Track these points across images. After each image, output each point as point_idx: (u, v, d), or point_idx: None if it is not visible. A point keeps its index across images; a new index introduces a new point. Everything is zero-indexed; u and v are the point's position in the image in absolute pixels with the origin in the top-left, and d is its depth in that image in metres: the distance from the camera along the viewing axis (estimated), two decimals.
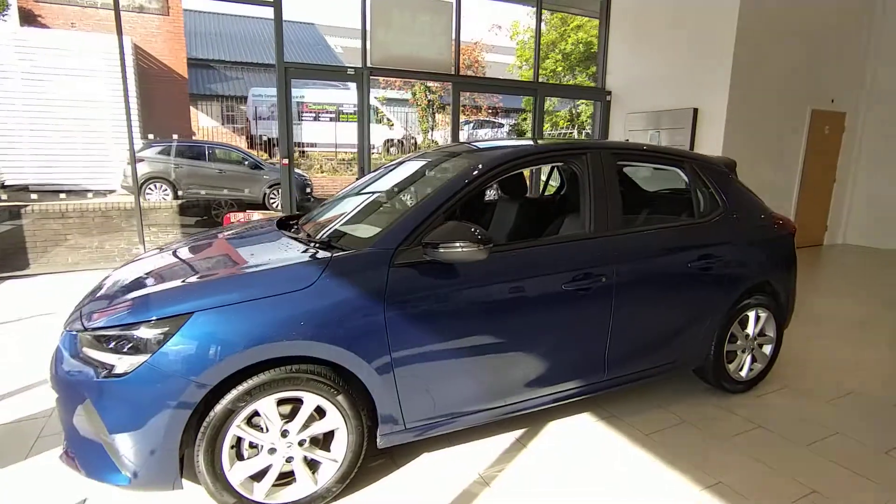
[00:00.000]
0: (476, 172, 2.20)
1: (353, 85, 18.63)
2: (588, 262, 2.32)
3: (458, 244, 1.90)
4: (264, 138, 14.35)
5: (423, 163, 2.93)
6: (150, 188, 9.95)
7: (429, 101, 16.33)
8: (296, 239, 2.33)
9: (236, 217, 5.91)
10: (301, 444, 1.90)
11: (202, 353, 1.68)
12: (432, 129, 17.06)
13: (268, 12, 5.82)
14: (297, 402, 1.89)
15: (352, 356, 1.86)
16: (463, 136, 17.27)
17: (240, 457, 1.85)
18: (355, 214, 2.51)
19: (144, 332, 1.70)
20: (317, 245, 2.16)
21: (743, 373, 2.95)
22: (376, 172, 3.07)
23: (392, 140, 16.21)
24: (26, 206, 6.24)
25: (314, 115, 15.07)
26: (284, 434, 1.86)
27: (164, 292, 1.82)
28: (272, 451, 1.86)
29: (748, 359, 2.96)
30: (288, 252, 2.13)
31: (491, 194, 3.84)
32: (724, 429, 2.63)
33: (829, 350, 3.70)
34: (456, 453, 2.35)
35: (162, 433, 1.68)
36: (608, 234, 2.40)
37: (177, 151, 10.21)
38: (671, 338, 2.63)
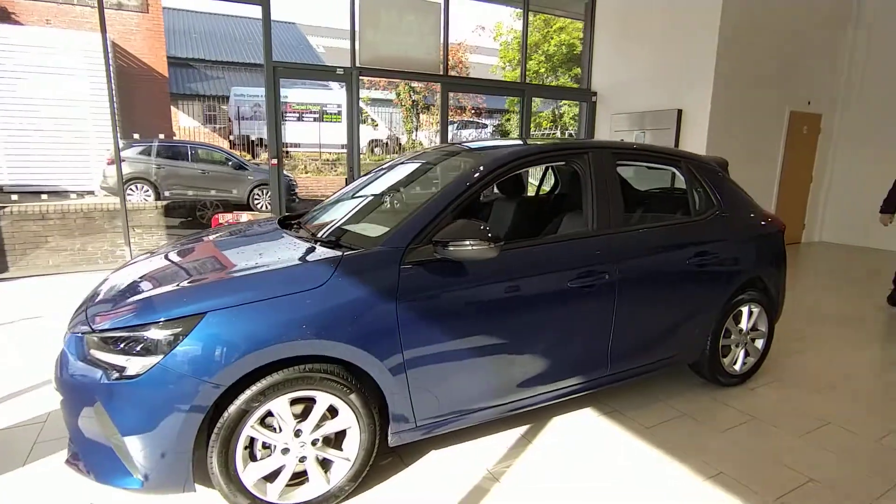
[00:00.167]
0: (483, 171, 2.22)
1: (335, 85, 18.59)
2: (592, 260, 2.36)
3: (468, 242, 1.92)
4: (248, 138, 14.18)
5: (424, 162, 2.94)
6: (131, 189, 9.74)
7: (413, 101, 16.31)
8: (302, 238, 2.32)
9: (224, 218, 5.83)
10: (314, 443, 1.89)
11: (216, 353, 1.67)
12: (416, 130, 17.05)
13: (250, 11, 5.76)
14: (309, 402, 1.88)
15: (365, 355, 1.86)
16: (447, 137, 17.30)
17: (253, 457, 1.84)
18: (360, 214, 2.52)
19: (156, 333, 1.67)
20: (324, 244, 2.16)
21: (737, 366, 3.03)
22: (377, 172, 3.07)
23: (376, 140, 16.16)
24: (4, 206, 6.05)
25: (297, 115, 14.94)
26: (297, 434, 1.86)
27: (176, 292, 1.80)
28: (285, 451, 1.85)
29: (741, 353, 3.04)
30: (296, 251, 2.12)
31: (485, 193, 3.87)
32: (721, 421, 2.70)
33: (815, 343, 3.82)
34: (463, 450, 2.36)
35: (176, 435, 1.66)
36: (610, 231, 2.45)
37: (158, 152, 10.03)
38: (670, 333, 2.69)
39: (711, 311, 2.81)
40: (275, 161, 6.01)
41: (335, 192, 3.17)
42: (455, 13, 6.94)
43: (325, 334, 1.80)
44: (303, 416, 1.88)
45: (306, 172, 14.03)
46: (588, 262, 2.34)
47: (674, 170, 2.92)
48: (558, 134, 17.07)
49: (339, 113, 15.54)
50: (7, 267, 5.77)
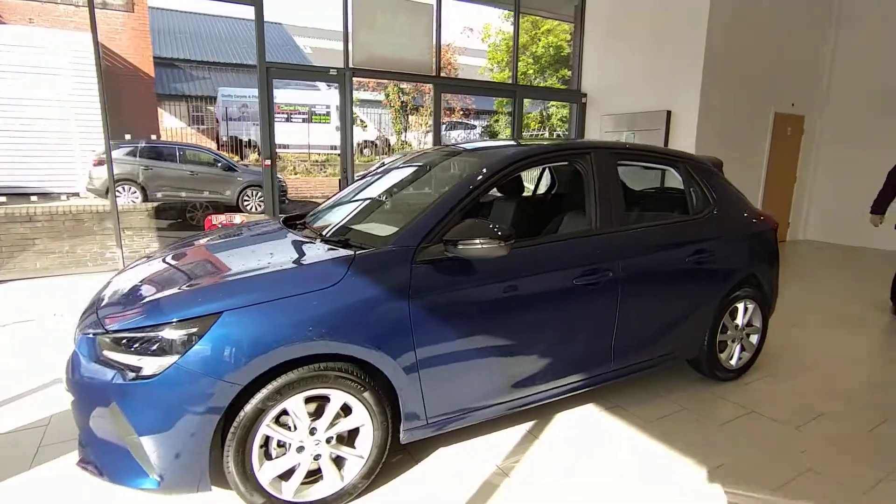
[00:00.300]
0: (491, 171, 2.25)
1: (323, 86, 18.49)
2: (597, 258, 2.41)
3: (478, 241, 1.95)
4: (236, 139, 14.06)
5: (427, 163, 2.97)
6: (118, 191, 9.60)
7: (402, 102, 16.32)
8: (310, 238, 2.34)
9: (218, 219, 5.79)
10: (328, 441, 1.91)
11: (233, 352, 1.67)
12: (405, 131, 17.05)
13: (240, 11, 5.73)
14: (322, 400, 1.89)
15: (379, 353, 1.88)
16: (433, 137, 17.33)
17: (268, 456, 1.85)
18: (366, 214, 2.53)
19: (171, 333, 1.68)
20: (333, 243, 2.17)
21: (733, 361, 3.11)
22: (379, 172, 3.09)
23: (365, 141, 16.13)
24: None
25: (286, 115, 14.86)
26: (312, 432, 1.87)
27: (190, 292, 1.80)
28: (300, 449, 1.86)
29: (737, 348, 3.12)
30: (307, 251, 2.13)
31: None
32: (719, 414, 2.76)
33: (805, 339, 3.92)
34: (471, 447, 2.39)
35: (193, 434, 1.67)
36: (613, 230, 2.50)
37: (146, 153, 9.90)
38: (670, 329, 2.75)
39: (709, 308, 2.88)
40: (268, 162, 5.98)
41: (337, 193, 3.18)
42: (445, 15, 6.99)
43: (341, 332, 1.82)
44: (316, 415, 1.89)
45: (295, 174, 13.95)
46: (593, 260, 2.39)
47: (671, 169, 2.98)
48: (546, 135, 17.19)
49: (328, 114, 15.48)
50: None
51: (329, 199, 3.15)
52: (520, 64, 16.12)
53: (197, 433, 1.67)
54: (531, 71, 16.36)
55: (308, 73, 6.68)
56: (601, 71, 8.06)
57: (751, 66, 7.06)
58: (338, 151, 16.00)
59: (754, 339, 3.20)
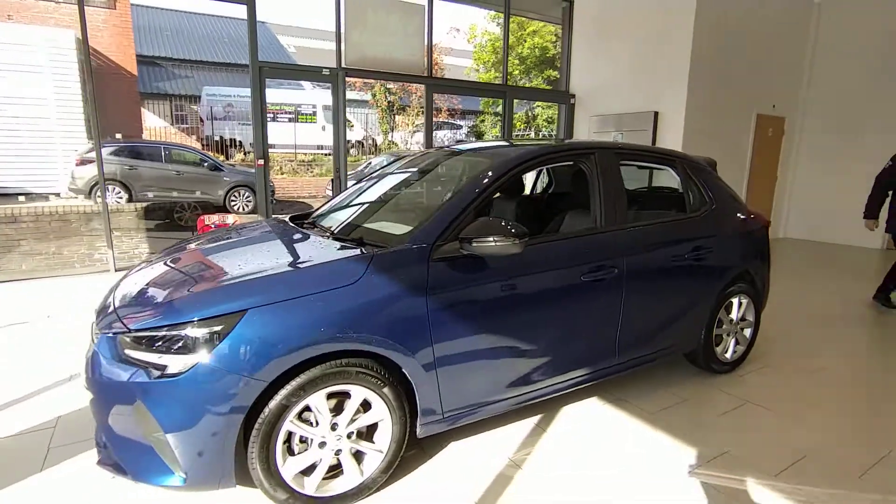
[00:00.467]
0: (503, 169, 2.31)
1: (308, 85, 18.34)
2: (603, 255, 2.48)
3: (492, 239, 2.00)
4: (221, 139, 13.88)
5: (433, 162, 3.01)
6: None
7: (388, 102, 16.30)
8: (324, 237, 2.36)
9: (210, 220, 5.74)
10: (349, 436, 1.94)
11: (258, 349, 1.69)
12: (392, 131, 17.04)
13: (227, 10, 5.70)
14: (342, 396, 1.92)
15: (399, 348, 1.92)
16: (422, 137, 17.36)
17: (290, 452, 1.87)
18: (378, 213, 2.56)
19: (195, 331, 1.69)
20: (347, 242, 2.20)
21: (728, 354, 3.22)
22: (384, 173, 3.12)
23: (352, 141, 16.07)
24: None
25: (272, 115, 14.73)
26: (334, 427, 1.90)
27: (214, 290, 1.82)
28: (322, 444, 1.89)
29: (732, 342, 3.23)
30: (323, 250, 2.16)
31: None
32: (718, 405, 2.86)
33: (792, 333, 4.06)
34: (482, 441, 2.44)
35: (220, 431, 1.68)
36: (618, 228, 2.57)
37: (131, 152, 9.75)
38: (671, 323, 2.84)
39: (706, 303, 2.97)
40: (261, 161, 5.95)
41: (341, 193, 3.20)
42: (435, 15, 7.03)
43: (363, 329, 1.85)
44: (335, 411, 1.92)
45: (282, 173, 13.85)
46: (600, 257, 2.46)
47: (669, 169, 3.07)
48: (532, 135, 17.35)
49: (314, 113, 15.40)
50: None
51: (333, 198, 3.17)
52: (507, 65, 16.27)
53: (223, 430, 1.69)
54: (517, 72, 16.50)
55: (301, 73, 6.66)
56: (589, 72, 8.19)
57: (734, 68, 7.25)
58: (325, 151, 15.95)
59: (748, 332, 3.31)
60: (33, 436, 2.40)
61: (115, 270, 5.61)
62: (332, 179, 6.69)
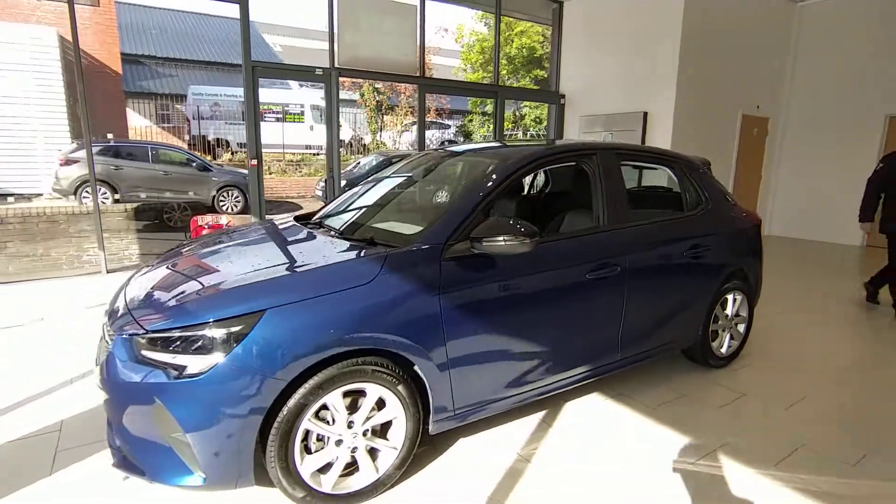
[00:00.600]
0: (511, 169, 2.36)
1: (295, 84, 18.17)
2: (606, 253, 2.54)
3: (501, 238, 2.04)
4: (207, 139, 13.72)
5: (438, 163, 3.04)
6: (87, 191, 9.28)
7: (377, 101, 16.27)
8: (332, 237, 2.38)
9: (204, 220, 5.69)
10: (364, 434, 1.96)
11: (278, 349, 1.71)
12: (381, 130, 17.01)
13: (220, 9, 5.67)
14: (357, 394, 1.94)
15: (415, 346, 1.95)
16: (410, 137, 17.35)
17: (307, 450, 1.89)
18: (386, 212, 2.59)
19: (215, 332, 1.70)
20: (358, 242, 2.22)
21: (723, 349, 3.31)
22: (379, 176, 3.15)
23: (341, 141, 16.00)
24: None
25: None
26: (350, 425, 1.92)
27: (231, 291, 1.82)
28: (339, 442, 1.91)
29: (727, 337, 3.31)
30: (335, 250, 2.18)
31: None
32: (716, 399, 2.94)
33: (781, 328, 4.18)
34: (489, 437, 2.48)
35: (240, 431, 1.70)
36: (620, 227, 2.64)
37: (118, 152, 9.60)
38: (670, 320, 2.91)
39: (704, 299, 3.05)
40: (255, 161, 5.92)
41: (344, 194, 3.21)
42: (426, 16, 7.05)
43: (379, 327, 1.88)
44: (350, 409, 1.94)
45: (271, 173, 13.74)
46: (604, 255, 2.51)
47: (666, 169, 3.15)
48: (520, 135, 17.45)
49: (302, 113, 15.31)
50: None
51: (334, 198, 3.18)
52: None
53: (243, 429, 1.70)
54: (504, 72, 16.58)
55: (294, 73, 6.62)
56: (579, 73, 8.29)
57: (721, 69, 7.40)
58: (313, 151, 15.87)
59: (741, 328, 3.40)
60: (38, 439, 2.38)
61: (107, 272, 5.53)
62: (326, 179, 6.68)
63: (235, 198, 10.64)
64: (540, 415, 2.69)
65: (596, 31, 7.93)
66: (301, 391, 1.78)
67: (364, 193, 3.05)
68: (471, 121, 19.50)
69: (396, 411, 2.01)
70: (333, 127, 6.44)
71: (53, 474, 2.14)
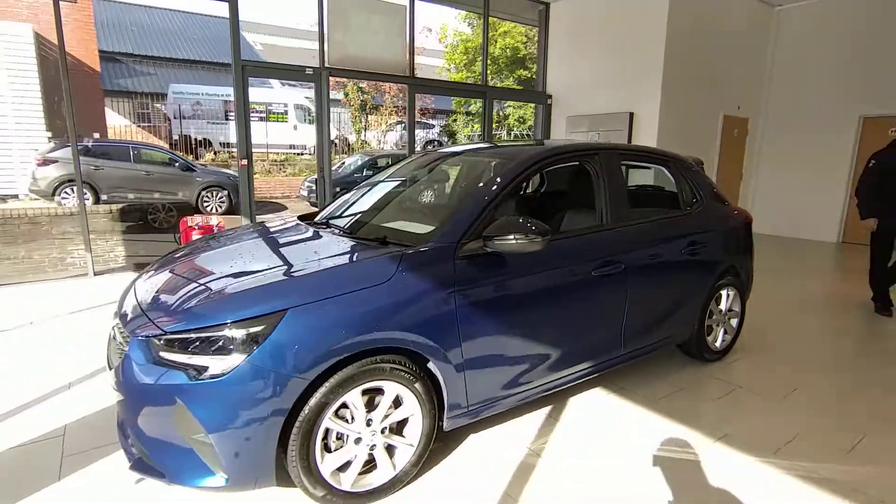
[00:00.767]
0: (518, 169, 2.40)
1: (276, 83, 17.94)
2: (610, 251, 2.60)
3: (513, 237, 2.07)
4: (188, 138, 13.48)
5: (435, 164, 3.06)
6: (66, 192, 9.06)
7: (361, 101, 16.20)
8: (342, 236, 2.38)
9: (194, 221, 5.60)
10: (383, 431, 1.98)
11: (300, 348, 1.72)
12: (365, 130, 16.94)
13: (196, 6, 5.60)
14: (374, 392, 1.96)
15: (431, 344, 1.98)
16: (395, 137, 17.32)
17: (327, 449, 1.89)
18: (393, 212, 2.60)
19: (237, 332, 1.70)
20: (370, 241, 2.23)
21: (718, 343, 3.40)
22: (384, 173, 3.17)
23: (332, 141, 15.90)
24: None
25: None
26: (368, 423, 1.94)
27: (252, 291, 1.82)
28: (358, 440, 1.92)
29: (721, 331, 3.41)
30: (349, 249, 2.19)
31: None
32: (713, 391, 3.03)
33: (768, 322, 4.32)
34: (497, 433, 2.51)
35: (263, 430, 1.70)
36: (622, 225, 2.70)
37: (97, 152, 9.37)
38: (669, 315, 2.99)
39: (700, 294, 3.14)
40: (245, 161, 5.86)
41: (347, 193, 3.21)
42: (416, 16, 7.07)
43: (397, 326, 1.90)
44: (368, 407, 1.96)
45: (254, 173, 13.56)
46: (608, 253, 2.58)
47: (663, 168, 3.23)
48: (503, 135, 17.55)
49: (286, 112, 15.16)
50: None
51: (336, 199, 3.17)
52: (479, 65, 16.41)
53: (266, 429, 1.71)
54: (489, 72, 16.65)
55: (284, 72, 6.56)
56: (565, 73, 8.39)
57: (704, 71, 7.58)
58: (297, 151, 15.73)
59: (734, 322, 3.51)
60: (42, 445, 2.33)
61: (94, 274, 5.41)
62: (316, 179, 6.64)
63: (220, 198, 10.49)
64: (545, 410, 2.74)
65: (582, 32, 8.04)
66: (322, 390, 1.79)
67: (368, 193, 3.06)
68: (454, 120, 19.55)
69: (413, 408, 2.03)
70: (324, 127, 6.41)
71: (62, 480, 2.10)
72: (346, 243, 2.28)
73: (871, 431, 2.61)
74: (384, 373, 1.91)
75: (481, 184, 2.39)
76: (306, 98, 16.25)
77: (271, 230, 2.72)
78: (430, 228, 2.24)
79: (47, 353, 3.32)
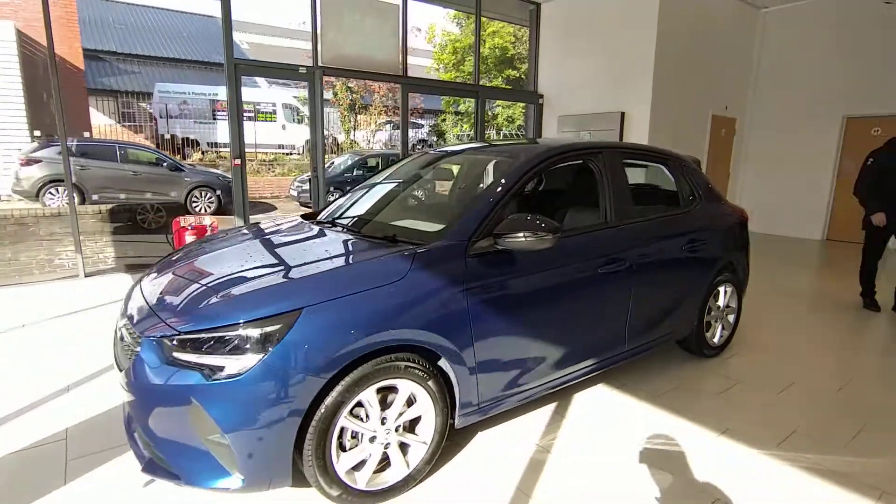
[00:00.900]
0: (526, 167, 2.41)
1: (263, 82, 17.79)
2: (615, 248, 2.63)
3: (522, 234, 2.09)
4: (175, 138, 13.30)
5: (436, 163, 3.07)
6: (50, 192, 8.89)
7: (350, 101, 16.13)
8: (351, 235, 2.38)
9: (187, 221, 5.53)
10: (397, 429, 1.98)
11: (317, 347, 1.71)
12: (354, 130, 16.86)
13: (185, 4, 5.55)
14: (388, 391, 1.96)
15: (444, 341, 1.98)
16: (384, 136, 17.27)
17: (342, 448, 1.89)
18: (399, 211, 2.60)
19: (253, 331, 1.68)
20: (380, 240, 2.23)
21: (716, 339, 3.46)
22: (386, 172, 3.16)
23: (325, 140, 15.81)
24: None
25: (225, 113, 14.25)
26: (383, 421, 1.94)
27: (267, 290, 1.81)
28: (373, 438, 1.92)
29: (719, 327, 3.47)
30: (361, 247, 2.18)
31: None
32: (713, 387, 3.08)
33: (763, 319, 4.40)
34: (506, 430, 2.53)
35: (280, 430, 1.69)
36: (626, 222, 2.73)
37: (82, 152, 9.19)
38: (671, 311, 3.04)
39: (700, 291, 3.19)
40: (238, 161, 5.80)
41: (350, 193, 3.20)
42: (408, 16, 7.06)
43: (411, 323, 1.90)
44: (382, 405, 1.95)
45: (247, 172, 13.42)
46: (613, 250, 2.60)
47: (663, 167, 3.28)
48: (493, 134, 17.60)
49: (274, 112, 15.03)
50: None
51: (339, 198, 3.16)
52: (468, 65, 16.43)
53: (283, 428, 1.70)
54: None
55: (277, 71, 6.51)
56: (557, 73, 8.45)
57: (693, 71, 7.69)
58: (286, 150, 15.61)
59: (731, 318, 3.57)
60: (45, 448, 2.29)
61: (85, 276, 5.31)
62: (310, 178, 6.60)
63: (209, 198, 10.37)
64: (551, 406, 2.76)
65: (573, 32, 8.10)
66: (338, 388, 1.78)
67: (371, 191, 3.05)
68: (444, 120, 19.55)
69: (426, 406, 2.03)
70: (318, 126, 6.37)
71: (68, 484, 2.06)
72: (355, 241, 2.28)
73: (870, 422, 2.68)
74: (399, 371, 1.91)
75: (490, 182, 2.40)
76: (294, 98, 16.13)
77: (277, 229, 2.70)
78: (440, 226, 2.25)
79: (45, 356, 3.25)
